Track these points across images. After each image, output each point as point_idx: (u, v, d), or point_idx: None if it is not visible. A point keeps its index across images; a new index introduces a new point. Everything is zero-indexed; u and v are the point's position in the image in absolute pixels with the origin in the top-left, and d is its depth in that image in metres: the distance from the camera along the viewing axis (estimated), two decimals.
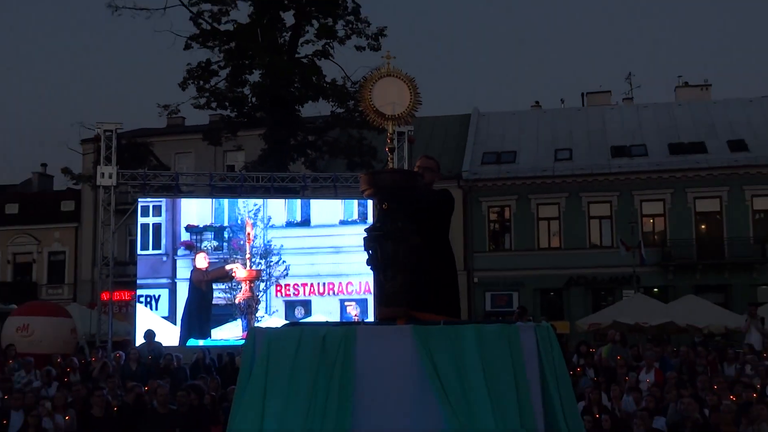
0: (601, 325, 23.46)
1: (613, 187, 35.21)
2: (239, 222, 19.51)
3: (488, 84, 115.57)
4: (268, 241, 19.30)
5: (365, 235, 5.78)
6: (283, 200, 20.35)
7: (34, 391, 12.26)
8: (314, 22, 28.35)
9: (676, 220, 34.59)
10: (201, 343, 17.85)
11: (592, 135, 38.00)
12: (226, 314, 18.70)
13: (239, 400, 5.16)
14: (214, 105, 28.55)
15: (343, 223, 19.44)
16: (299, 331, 5.15)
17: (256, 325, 15.35)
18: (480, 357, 4.82)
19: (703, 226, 34.58)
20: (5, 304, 27.91)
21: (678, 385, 11.97)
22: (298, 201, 20.18)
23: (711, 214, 34.57)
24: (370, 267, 5.72)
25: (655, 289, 32.07)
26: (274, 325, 6.19)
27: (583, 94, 43.36)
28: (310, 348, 4.90)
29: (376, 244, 5.66)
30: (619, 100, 42.56)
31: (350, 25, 28.28)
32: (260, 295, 18.94)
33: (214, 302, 18.72)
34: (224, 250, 19.34)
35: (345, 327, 5.22)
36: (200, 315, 18.28)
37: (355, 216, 19.51)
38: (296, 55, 27.81)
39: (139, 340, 18.60)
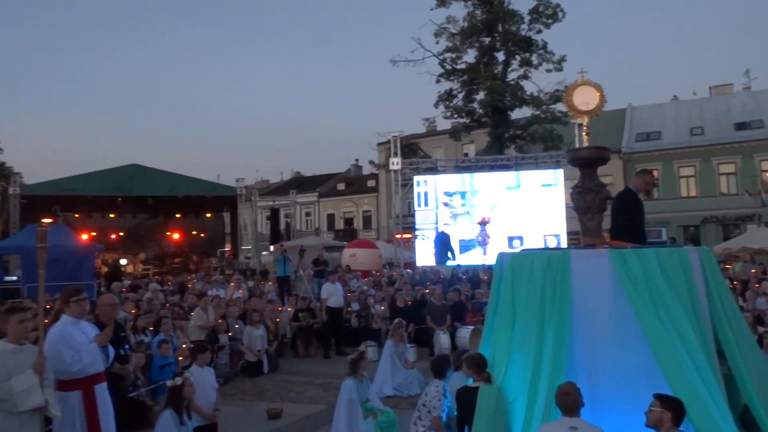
0: (732, 250, 20.75)
1: (737, 152, 30.67)
2: (475, 187, 19.44)
3: (637, 85, 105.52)
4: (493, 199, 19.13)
5: (571, 191, 5.49)
6: (502, 172, 19.97)
7: (364, 292, 13.08)
8: (517, 57, 27.32)
9: None
10: (455, 262, 18.01)
11: (718, 116, 33.39)
12: (470, 245, 18.74)
13: (496, 296, 5.11)
14: (455, 116, 28.52)
15: (543, 185, 18.74)
16: (531, 253, 5.01)
17: (499, 251, 15.23)
18: (660, 270, 4.41)
19: None
20: (340, 241, 30.00)
21: None
22: (513, 172, 19.68)
23: None
24: (576, 211, 5.42)
25: None
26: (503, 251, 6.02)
27: (710, 87, 38.06)
28: (539, 263, 4.74)
29: (579, 196, 5.37)
30: (739, 89, 36.87)
31: (541, 57, 26.93)
32: (490, 231, 18.74)
33: (461, 237, 18.81)
34: (466, 206, 19.39)
35: (562, 250, 5.02)
36: (447, 247, 18.19)
37: (552, 181, 18.69)
38: (507, 79, 26.97)
39: (419, 262, 19.23)
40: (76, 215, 26.61)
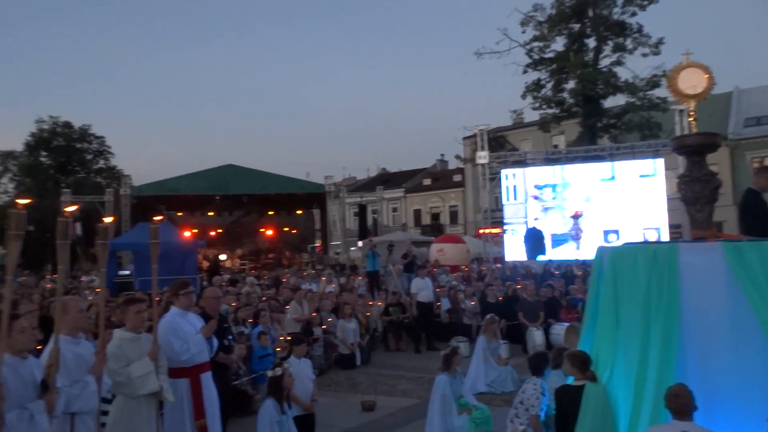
0: None
1: None
2: (566, 180, 18.79)
3: (744, 65, 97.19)
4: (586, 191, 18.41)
5: (678, 181, 5.15)
6: (595, 164, 19.18)
7: (453, 287, 12.99)
8: (609, 42, 25.97)
9: None
10: (546, 257, 17.45)
11: None
12: (562, 239, 18.13)
13: (596, 293, 4.87)
14: (543, 107, 27.65)
15: (641, 176, 17.77)
16: (635, 248, 4.76)
17: (599, 246, 14.65)
18: None
19: None
20: (427, 236, 30.00)
21: None
22: (607, 163, 18.83)
23: None
24: (683, 202, 5.07)
25: None
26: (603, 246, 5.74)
27: None
28: (644, 258, 4.48)
29: (687, 186, 5.02)
30: None
31: (636, 41, 25.46)
32: (583, 225, 18.02)
33: (553, 232, 18.26)
34: (557, 199, 18.80)
35: (669, 244, 4.72)
36: (540, 243, 17.63)
37: (650, 171, 17.68)
38: (598, 66, 25.77)
39: (508, 257, 18.87)
40: (179, 213, 28.36)
